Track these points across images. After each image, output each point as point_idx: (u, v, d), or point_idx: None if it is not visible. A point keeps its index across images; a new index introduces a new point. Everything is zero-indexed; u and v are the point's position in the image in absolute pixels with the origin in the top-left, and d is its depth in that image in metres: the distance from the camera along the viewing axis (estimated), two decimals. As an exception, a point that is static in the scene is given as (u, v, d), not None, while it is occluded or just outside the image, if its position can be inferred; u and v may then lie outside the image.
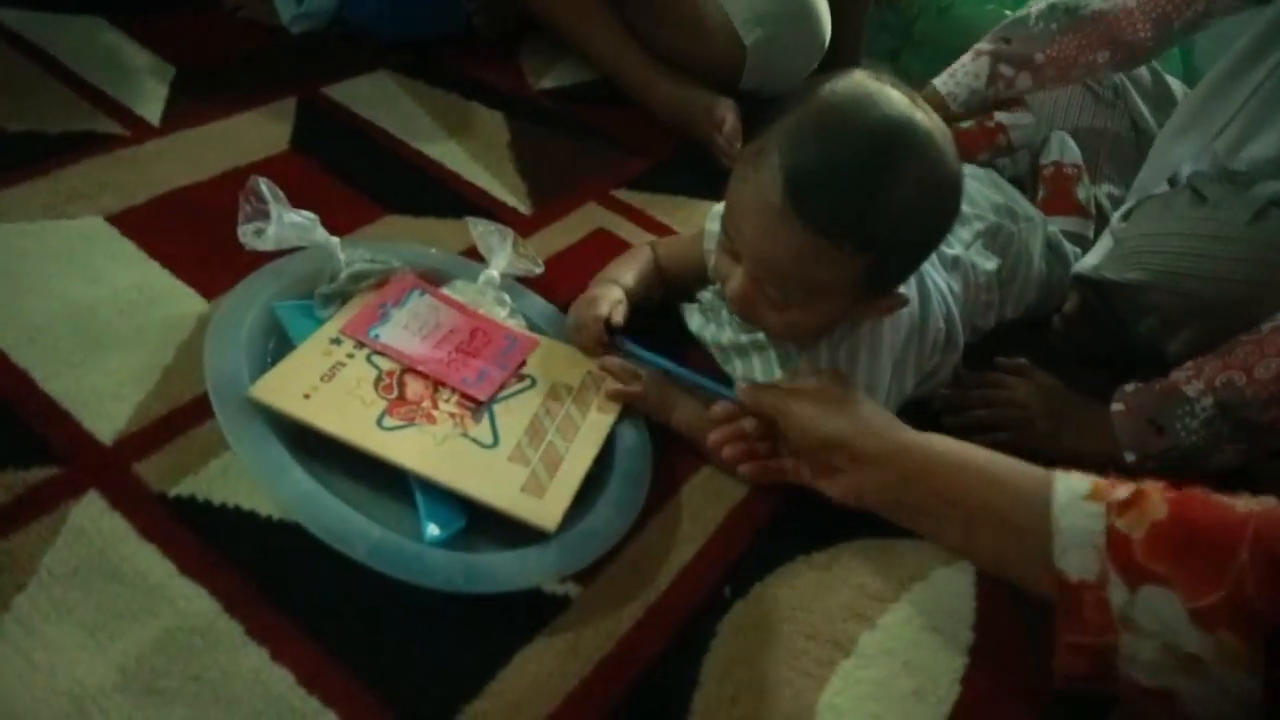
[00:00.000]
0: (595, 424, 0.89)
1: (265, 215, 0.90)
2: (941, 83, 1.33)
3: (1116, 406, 1.00)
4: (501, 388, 0.89)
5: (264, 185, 0.91)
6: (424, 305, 0.94)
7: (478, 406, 0.86)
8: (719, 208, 1.01)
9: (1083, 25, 1.26)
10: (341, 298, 0.92)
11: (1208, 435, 0.94)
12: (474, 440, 0.83)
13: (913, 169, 0.78)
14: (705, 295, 1.05)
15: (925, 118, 0.80)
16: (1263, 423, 0.92)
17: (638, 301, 1.00)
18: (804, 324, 0.87)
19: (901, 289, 0.90)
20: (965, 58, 1.32)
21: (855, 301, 0.86)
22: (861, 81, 0.80)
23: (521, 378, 0.91)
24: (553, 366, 0.94)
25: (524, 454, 0.83)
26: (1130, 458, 0.98)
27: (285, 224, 0.90)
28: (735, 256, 0.85)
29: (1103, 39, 1.26)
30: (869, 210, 0.77)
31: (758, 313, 0.87)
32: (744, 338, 0.99)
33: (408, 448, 0.80)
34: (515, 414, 0.87)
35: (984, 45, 1.32)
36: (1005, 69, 1.28)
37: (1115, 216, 1.13)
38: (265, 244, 0.90)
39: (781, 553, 0.87)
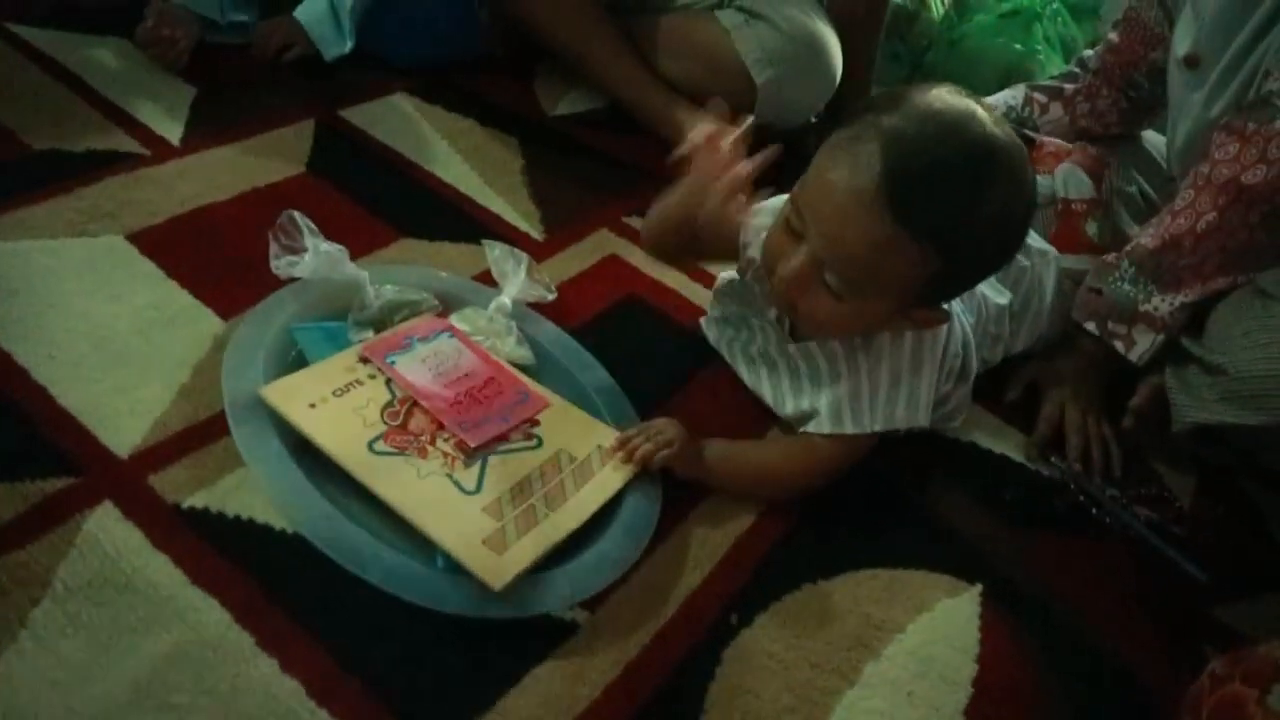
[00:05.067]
0: (584, 500, 0.85)
1: (296, 249, 0.93)
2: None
3: (1076, 304, 1.16)
4: (498, 440, 0.87)
5: (297, 218, 0.94)
6: (449, 346, 0.94)
7: (472, 453, 0.85)
8: (766, 204, 1.02)
9: (1098, 74, 1.38)
10: (375, 326, 0.95)
11: (1137, 290, 1.11)
12: (456, 483, 0.82)
13: (1004, 190, 0.81)
14: (729, 307, 1.07)
15: (1018, 143, 0.83)
16: (1164, 264, 1.09)
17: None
18: (850, 320, 0.88)
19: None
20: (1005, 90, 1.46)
21: (905, 308, 0.87)
22: (963, 97, 0.83)
23: (530, 436, 0.89)
24: (565, 433, 0.90)
25: (501, 509, 0.81)
26: (1090, 326, 1.14)
27: (321, 254, 0.93)
28: (797, 237, 0.85)
29: (1114, 84, 1.38)
30: (961, 217, 0.80)
31: (807, 297, 0.86)
32: (773, 349, 0.99)
33: (386, 475, 0.80)
34: (508, 469, 0.85)
35: (1021, 86, 1.45)
36: (1039, 95, 1.41)
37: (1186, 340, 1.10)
38: (302, 272, 0.93)
39: (787, 581, 0.88)
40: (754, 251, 0.99)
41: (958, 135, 0.80)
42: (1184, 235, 1.08)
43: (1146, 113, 1.39)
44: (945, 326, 0.95)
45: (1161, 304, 1.10)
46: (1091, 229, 1.25)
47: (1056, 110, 1.39)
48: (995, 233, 0.83)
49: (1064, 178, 1.28)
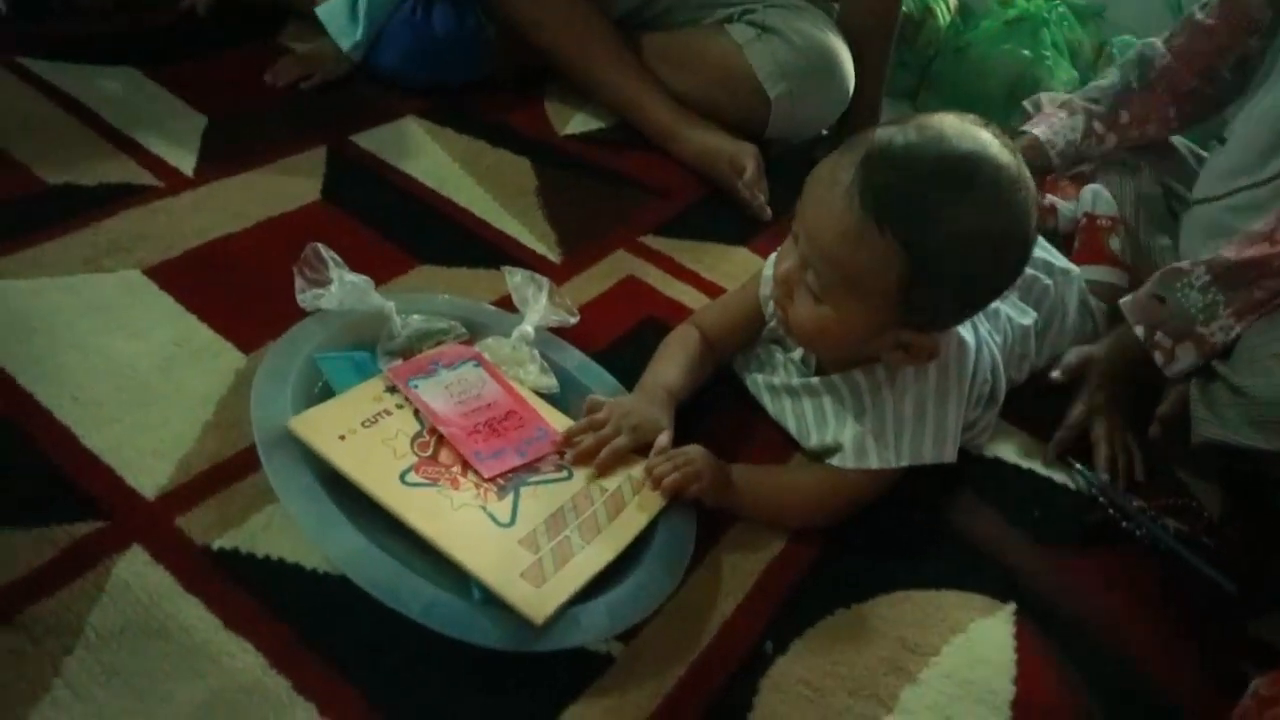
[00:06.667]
0: (618, 531, 0.84)
1: (322, 282, 0.93)
2: (1040, 131, 1.41)
3: (1125, 300, 1.12)
4: (516, 472, 0.86)
5: (321, 250, 0.93)
6: (473, 375, 0.93)
7: (504, 484, 0.85)
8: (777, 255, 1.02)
9: (1154, 85, 1.35)
10: (403, 355, 0.94)
11: (1205, 301, 1.05)
12: (490, 515, 0.81)
13: (984, 201, 0.80)
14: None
15: (1021, 173, 0.82)
16: (1245, 277, 1.03)
17: (688, 395, 0.99)
18: (831, 327, 0.87)
19: (953, 339, 0.91)
20: (1061, 112, 1.41)
21: (885, 324, 0.86)
22: (969, 120, 0.84)
23: (559, 467, 0.88)
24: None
25: (536, 541, 0.80)
26: (1138, 330, 1.09)
27: (346, 285, 0.93)
28: (796, 239, 0.87)
29: (1170, 95, 1.35)
30: (930, 214, 0.79)
31: (792, 303, 0.88)
32: (796, 381, 0.99)
33: (421, 507, 0.79)
34: (541, 501, 0.84)
35: (1077, 102, 1.41)
36: (1098, 126, 1.38)
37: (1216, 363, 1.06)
38: (329, 304, 0.93)
39: (821, 606, 0.87)
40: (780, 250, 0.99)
41: (943, 142, 0.81)
42: (1273, 257, 1.02)
43: (1201, 117, 1.37)
44: (971, 355, 0.94)
45: (1219, 331, 1.05)
46: (1115, 244, 1.25)
47: (1111, 140, 1.38)
48: (972, 248, 0.81)
49: (1091, 196, 1.28)
